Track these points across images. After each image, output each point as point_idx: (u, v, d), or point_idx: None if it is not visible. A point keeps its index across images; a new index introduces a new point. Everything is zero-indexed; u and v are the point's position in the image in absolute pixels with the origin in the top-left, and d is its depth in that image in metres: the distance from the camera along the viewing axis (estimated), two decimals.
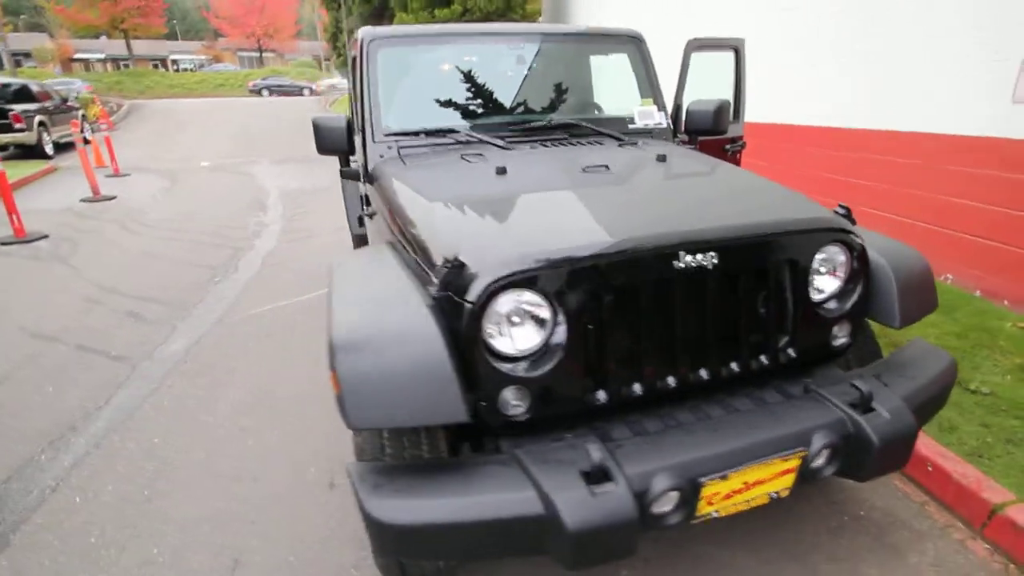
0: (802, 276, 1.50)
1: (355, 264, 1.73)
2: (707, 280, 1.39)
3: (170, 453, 2.44)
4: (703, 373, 1.45)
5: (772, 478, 1.33)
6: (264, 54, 44.18)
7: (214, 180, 9.63)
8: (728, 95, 3.52)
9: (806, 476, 1.37)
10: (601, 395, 1.37)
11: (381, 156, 2.27)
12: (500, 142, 2.26)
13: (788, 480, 1.36)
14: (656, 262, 1.34)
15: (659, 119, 2.65)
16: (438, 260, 1.36)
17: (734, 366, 1.48)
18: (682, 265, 1.35)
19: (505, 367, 1.29)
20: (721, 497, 1.29)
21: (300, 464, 2.34)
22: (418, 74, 2.47)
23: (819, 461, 1.36)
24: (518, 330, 1.31)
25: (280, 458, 2.38)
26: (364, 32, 2.37)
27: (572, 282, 1.30)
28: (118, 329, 3.72)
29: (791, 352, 1.53)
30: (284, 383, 2.98)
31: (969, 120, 3.19)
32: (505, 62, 2.55)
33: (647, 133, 2.59)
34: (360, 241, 3.87)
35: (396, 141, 2.28)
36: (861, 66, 3.94)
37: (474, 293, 1.25)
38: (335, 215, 7.02)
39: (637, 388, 1.40)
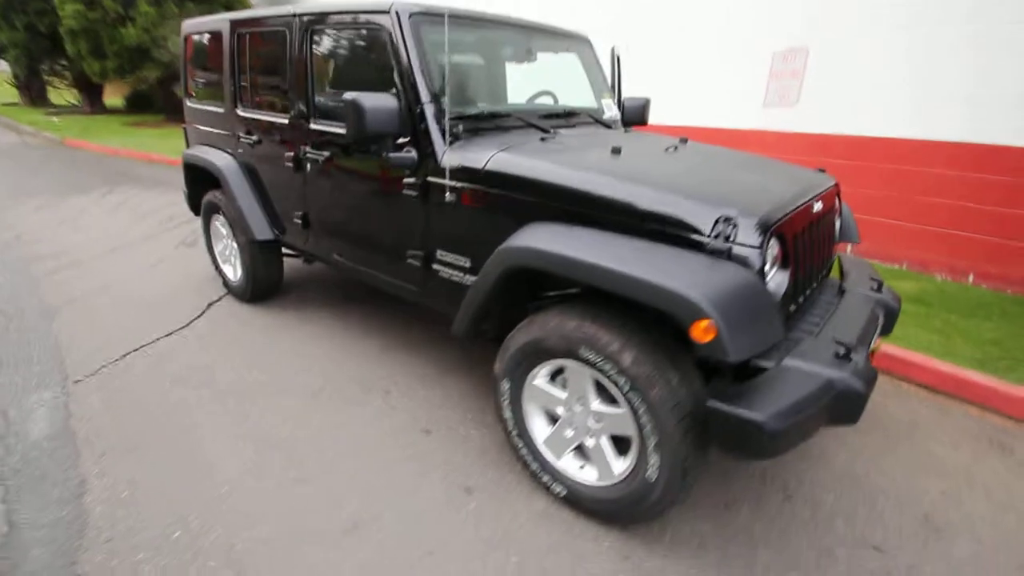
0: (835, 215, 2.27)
1: (574, 239, 1.70)
2: (818, 221, 2.00)
3: (219, 542, 1.82)
4: (814, 284, 2.07)
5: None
6: None
7: None
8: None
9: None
10: (792, 307, 1.85)
11: (449, 140, 2.15)
12: (544, 125, 2.42)
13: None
14: (814, 208, 1.89)
15: (615, 112, 3.16)
16: (701, 220, 1.60)
17: (819, 277, 2.15)
18: (815, 210, 1.93)
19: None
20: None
21: (407, 488, 2.07)
22: (443, 54, 2.36)
23: (880, 326, 2.14)
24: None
25: (377, 492, 2.05)
26: (400, 5, 2.15)
27: (791, 226, 1.73)
28: None
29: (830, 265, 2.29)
30: (287, 425, 2.43)
31: (746, 118, 4.71)
32: (515, 51, 2.65)
33: (612, 122, 3.08)
34: (268, 247, 3.28)
35: (458, 123, 2.20)
36: (682, 83, 5.16)
37: (758, 239, 1.56)
38: (83, 230, 5.31)
39: (801, 299, 1.93)
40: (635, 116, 3.26)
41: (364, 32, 2.31)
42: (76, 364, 2.90)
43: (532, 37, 2.76)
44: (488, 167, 2.01)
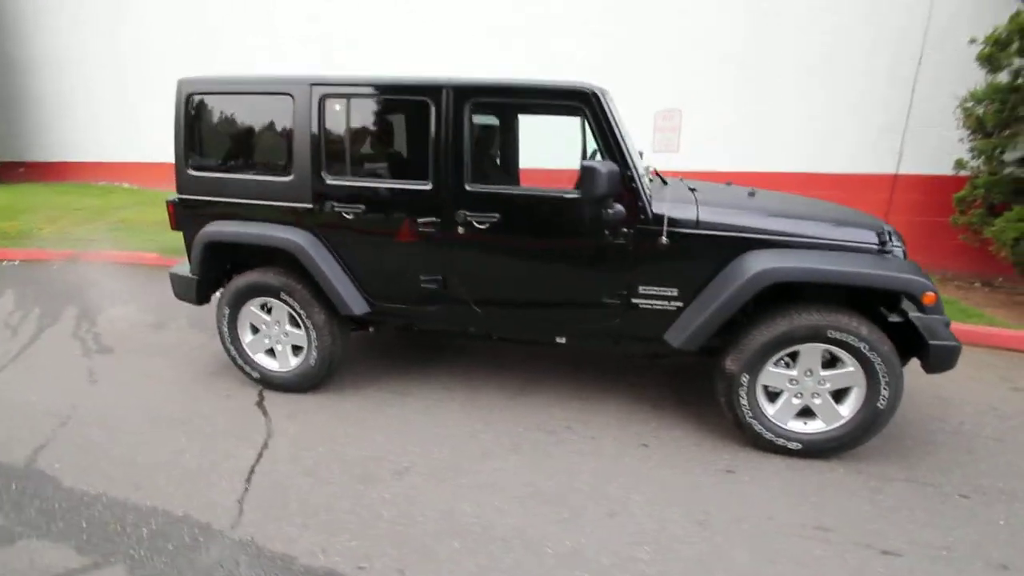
0: None
1: (802, 258, 2.40)
2: None
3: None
4: None
5: None
6: None
7: None
8: None
9: None
10: None
11: (650, 193, 2.64)
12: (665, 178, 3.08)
13: None
14: None
15: None
16: (871, 237, 2.51)
17: None
18: None
19: None
20: None
21: (687, 484, 2.43)
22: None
23: None
24: None
25: (676, 492, 2.36)
26: (598, 88, 2.53)
27: None
28: None
29: None
30: (538, 480, 2.47)
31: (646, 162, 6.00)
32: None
33: None
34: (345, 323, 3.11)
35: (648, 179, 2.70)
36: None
37: (900, 242, 2.56)
38: None
39: None
40: None
41: (553, 108, 2.61)
42: (192, 510, 2.28)
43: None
44: (701, 218, 2.58)
